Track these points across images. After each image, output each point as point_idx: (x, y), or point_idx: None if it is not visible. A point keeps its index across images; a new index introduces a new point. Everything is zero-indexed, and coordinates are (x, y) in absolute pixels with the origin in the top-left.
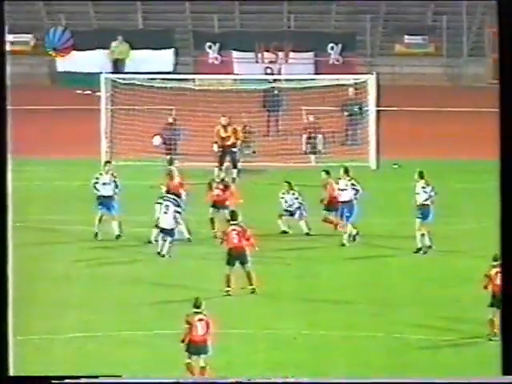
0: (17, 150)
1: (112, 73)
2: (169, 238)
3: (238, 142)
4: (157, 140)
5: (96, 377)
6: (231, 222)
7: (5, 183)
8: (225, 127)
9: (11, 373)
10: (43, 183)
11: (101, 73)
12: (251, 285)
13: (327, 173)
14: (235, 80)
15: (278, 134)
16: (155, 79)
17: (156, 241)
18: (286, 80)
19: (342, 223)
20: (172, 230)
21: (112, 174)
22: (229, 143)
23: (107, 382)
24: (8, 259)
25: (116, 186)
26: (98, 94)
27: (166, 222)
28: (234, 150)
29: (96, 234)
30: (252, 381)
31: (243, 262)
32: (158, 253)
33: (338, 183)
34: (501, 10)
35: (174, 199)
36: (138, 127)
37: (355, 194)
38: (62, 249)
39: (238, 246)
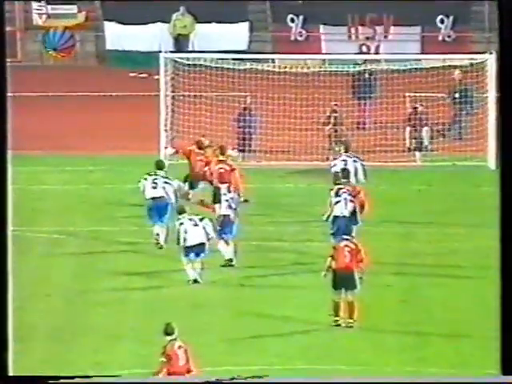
0: (54, 145)
1: (173, 51)
2: (199, 256)
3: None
4: (169, 151)
5: (91, 376)
6: (344, 237)
7: (5, 185)
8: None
9: (11, 373)
10: (90, 186)
11: (160, 51)
12: (351, 318)
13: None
14: (323, 60)
15: (374, 126)
16: (226, 59)
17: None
18: (386, 60)
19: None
20: (203, 244)
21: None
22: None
23: (105, 382)
24: (8, 259)
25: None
26: (156, 77)
27: (196, 235)
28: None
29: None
30: (252, 381)
31: (350, 288)
32: (195, 280)
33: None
34: (501, 9)
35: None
36: (205, 117)
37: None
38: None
39: (348, 267)
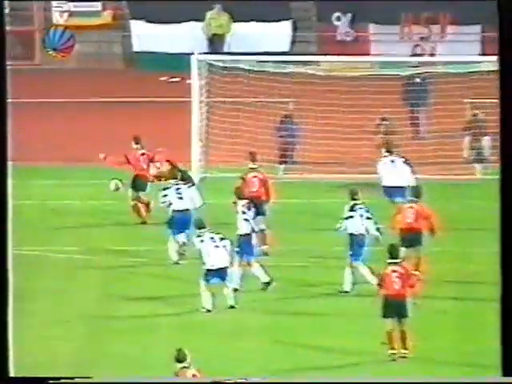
0: (75, 156)
1: (208, 53)
2: (224, 280)
3: None
4: (113, 185)
5: (91, 377)
6: (390, 261)
7: (5, 189)
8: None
9: (12, 373)
10: (115, 202)
11: (193, 53)
12: (405, 348)
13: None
14: (372, 63)
15: (430, 135)
16: (265, 62)
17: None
18: (443, 63)
19: None
20: (226, 268)
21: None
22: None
23: (104, 382)
24: (8, 259)
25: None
26: (188, 81)
27: (218, 258)
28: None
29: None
30: (251, 381)
31: (402, 316)
32: (231, 306)
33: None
34: (501, 9)
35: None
36: (243, 126)
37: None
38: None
39: (399, 294)
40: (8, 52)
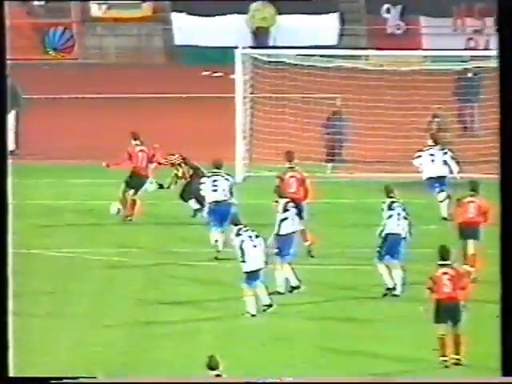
0: (111, 154)
1: (252, 47)
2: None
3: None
4: (114, 208)
5: (94, 377)
6: (440, 263)
7: (5, 186)
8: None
9: (11, 374)
10: (157, 201)
11: (236, 47)
12: (457, 354)
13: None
14: (424, 57)
15: (485, 133)
16: (312, 56)
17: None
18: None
19: None
20: (261, 269)
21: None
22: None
23: (106, 382)
24: (7, 259)
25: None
26: (232, 76)
27: (258, 258)
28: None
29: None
30: (251, 381)
31: (455, 320)
32: (269, 305)
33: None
34: (501, 9)
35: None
36: (288, 123)
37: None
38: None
39: (451, 297)
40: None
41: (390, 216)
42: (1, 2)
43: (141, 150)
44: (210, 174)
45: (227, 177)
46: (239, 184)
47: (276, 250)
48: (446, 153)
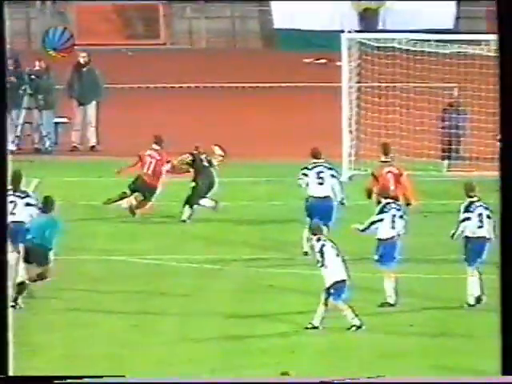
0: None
1: (359, 31)
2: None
3: None
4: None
5: (100, 377)
6: None
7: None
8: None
9: (11, 373)
10: (252, 202)
11: (342, 31)
12: None
13: None
14: None
15: None
16: (426, 41)
17: None
18: None
19: None
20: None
21: None
22: None
23: (110, 382)
24: (7, 259)
25: None
26: (337, 63)
27: (340, 269)
28: None
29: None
30: (252, 381)
31: None
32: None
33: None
34: (500, 9)
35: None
36: (399, 115)
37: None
38: None
39: None
40: (129, 30)
41: (468, 218)
42: (1, 2)
43: (150, 155)
44: (313, 165)
45: (332, 172)
46: (345, 183)
47: (376, 257)
48: None
